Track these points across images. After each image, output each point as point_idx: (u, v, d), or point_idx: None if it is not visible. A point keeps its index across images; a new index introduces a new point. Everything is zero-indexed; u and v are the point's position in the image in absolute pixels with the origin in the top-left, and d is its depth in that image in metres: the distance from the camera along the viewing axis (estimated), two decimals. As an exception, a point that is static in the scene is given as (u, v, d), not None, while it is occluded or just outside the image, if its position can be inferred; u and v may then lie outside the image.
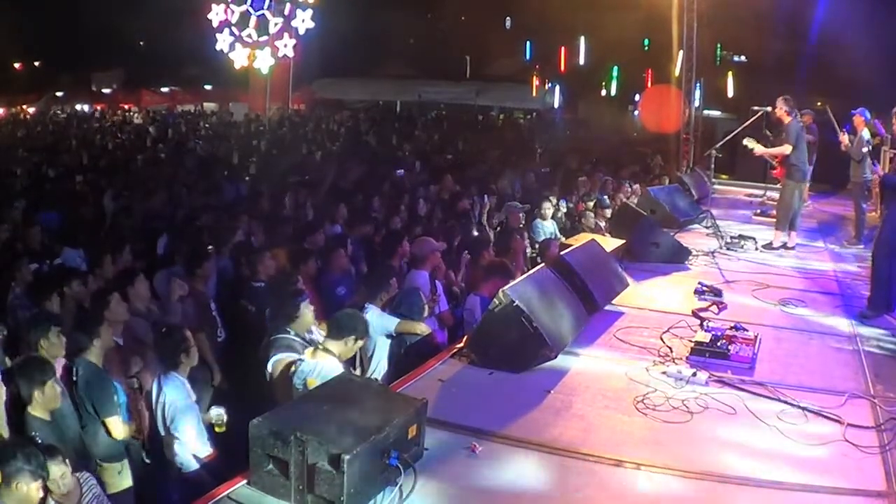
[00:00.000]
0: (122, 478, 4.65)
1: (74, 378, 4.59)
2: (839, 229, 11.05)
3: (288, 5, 22.84)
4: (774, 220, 9.87)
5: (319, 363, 4.61)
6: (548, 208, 9.70)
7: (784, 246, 9.34)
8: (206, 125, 25.49)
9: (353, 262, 7.49)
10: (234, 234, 7.77)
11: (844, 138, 10.43)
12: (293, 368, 4.71)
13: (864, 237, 9.88)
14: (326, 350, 4.73)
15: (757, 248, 9.26)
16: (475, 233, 8.95)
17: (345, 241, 7.63)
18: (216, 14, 23.30)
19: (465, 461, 3.98)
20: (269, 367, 4.98)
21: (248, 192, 11.12)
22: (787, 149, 9.20)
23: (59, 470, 3.66)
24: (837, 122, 11.21)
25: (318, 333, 5.42)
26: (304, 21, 22.77)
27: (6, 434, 4.01)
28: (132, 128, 24.24)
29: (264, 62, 23.25)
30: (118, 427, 4.59)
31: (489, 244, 8.12)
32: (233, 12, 23.10)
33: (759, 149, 9.71)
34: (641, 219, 8.95)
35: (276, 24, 22.85)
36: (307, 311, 5.25)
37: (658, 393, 4.89)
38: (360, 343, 5.03)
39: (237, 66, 23.52)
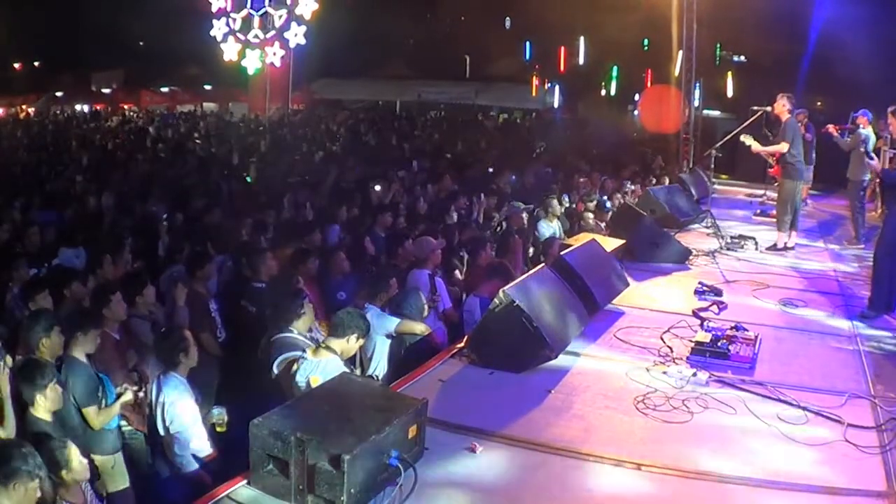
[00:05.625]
0: (118, 477, 4.65)
1: (64, 377, 4.58)
2: (839, 229, 11.04)
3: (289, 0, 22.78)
4: (775, 220, 9.81)
5: (322, 361, 4.62)
6: (555, 207, 9.67)
7: (785, 246, 9.32)
8: (206, 125, 25.45)
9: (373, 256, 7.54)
10: (237, 234, 7.76)
11: (830, 127, 10.49)
12: (295, 367, 4.71)
13: (865, 237, 9.88)
14: (328, 348, 4.74)
15: (758, 249, 9.24)
16: (472, 233, 8.93)
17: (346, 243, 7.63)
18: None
19: (465, 461, 3.98)
20: (276, 369, 4.93)
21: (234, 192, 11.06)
22: (783, 147, 9.17)
23: (75, 455, 3.73)
24: (840, 122, 11.20)
25: (318, 332, 5.43)
26: (296, 35, 22.76)
27: (13, 421, 3.99)
28: (132, 128, 24.21)
29: (252, 63, 23.22)
30: (92, 417, 4.58)
31: (486, 244, 8.11)
32: (234, 20, 23.03)
33: (756, 146, 9.67)
34: (641, 219, 8.95)
35: (280, 17, 22.75)
36: (309, 309, 5.28)
37: (658, 393, 4.89)
38: (362, 341, 5.04)
39: (226, 58, 23.48)
